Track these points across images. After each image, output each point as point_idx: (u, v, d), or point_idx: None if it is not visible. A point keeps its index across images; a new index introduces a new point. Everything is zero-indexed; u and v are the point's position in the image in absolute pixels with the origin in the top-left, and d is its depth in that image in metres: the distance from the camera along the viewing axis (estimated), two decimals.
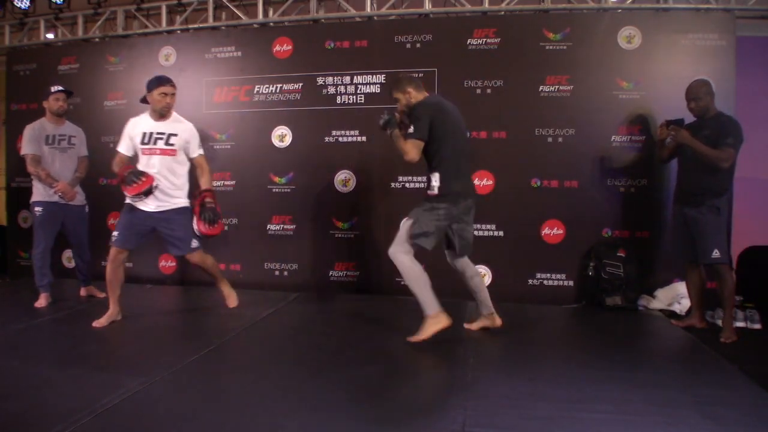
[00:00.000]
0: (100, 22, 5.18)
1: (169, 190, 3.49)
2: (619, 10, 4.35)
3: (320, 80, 4.61)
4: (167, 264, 4.95)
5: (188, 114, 4.79)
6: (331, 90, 4.59)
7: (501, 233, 4.36)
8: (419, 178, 4.44)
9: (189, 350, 3.00)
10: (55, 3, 5.15)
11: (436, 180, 3.14)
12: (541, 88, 4.29)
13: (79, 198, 4.21)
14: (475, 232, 4.33)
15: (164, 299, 4.54)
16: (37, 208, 4.03)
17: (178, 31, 5.06)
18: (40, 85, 5.11)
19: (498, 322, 3.43)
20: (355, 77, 4.55)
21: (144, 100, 3.55)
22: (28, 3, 5.23)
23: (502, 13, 4.51)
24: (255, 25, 4.87)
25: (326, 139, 4.60)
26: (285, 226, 4.71)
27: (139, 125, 3.51)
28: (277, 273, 4.73)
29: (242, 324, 3.55)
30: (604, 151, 4.24)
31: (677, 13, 4.23)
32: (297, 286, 4.60)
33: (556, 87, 4.28)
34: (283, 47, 4.69)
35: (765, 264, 4.15)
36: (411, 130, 3.10)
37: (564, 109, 4.26)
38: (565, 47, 4.28)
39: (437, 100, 3.24)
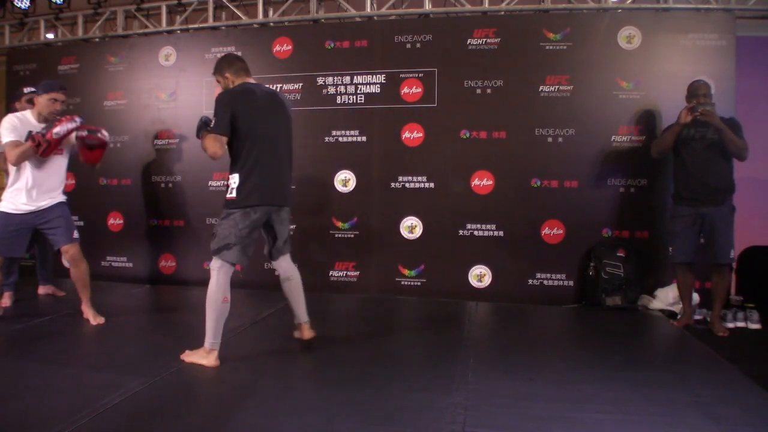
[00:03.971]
0: (100, 22, 5.18)
1: (51, 190, 3.51)
2: (619, 10, 4.34)
3: (320, 80, 4.61)
4: (167, 264, 4.95)
5: (188, 114, 4.84)
6: (331, 90, 4.59)
7: (501, 233, 4.36)
8: (419, 178, 4.45)
9: (189, 350, 2.99)
10: (55, 3, 5.15)
11: (234, 182, 2.76)
12: (541, 88, 4.29)
13: None
14: (476, 233, 4.39)
15: (164, 299, 4.54)
16: None
17: (178, 31, 5.06)
18: None
19: (307, 334, 3.04)
20: (355, 77, 4.55)
21: (30, 101, 3.50)
22: (28, 3, 5.22)
23: (502, 13, 4.51)
24: (255, 25, 4.87)
25: (326, 139, 4.60)
26: None
27: (25, 123, 3.40)
28: (277, 273, 4.69)
29: (242, 324, 3.55)
30: (604, 151, 4.23)
31: (677, 13, 4.23)
32: None
33: (556, 87, 4.28)
34: (283, 47, 4.69)
35: (765, 264, 4.15)
36: (212, 124, 2.72)
37: (564, 109, 4.26)
38: (565, 47, 4.28)
39: (245, 89, 2.81)
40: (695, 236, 3.54)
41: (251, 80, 2.95)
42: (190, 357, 2.82)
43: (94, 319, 3.56)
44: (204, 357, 2.78)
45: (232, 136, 2.75)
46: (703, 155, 3.48)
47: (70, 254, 3.54)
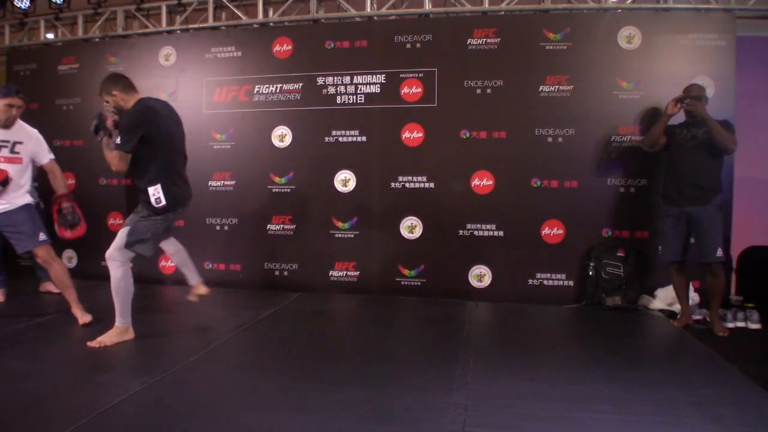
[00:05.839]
0: (100, 22, 5.18)
1: (9, 197, 3.47)
2: (619, 10, 4.34)
3: (320, 80, 4.61)
4: (167, 264, 4.94)
5: (188, 114, 4.80)
6: (331, 90, 4.59)
7: (501, 233, 4.36)
8: (419, 178, 4.45)
9: (189, 350, 3.00)
10: (55, 3, 5.14)
11: (158, 192, 3.03)
12: (541, 88, 4.29)
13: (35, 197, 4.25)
14: (476, 233, 4.39)
15: (164, 299, 4.54)
16: None
17: (178, 31, 5.06)
18: (40, 85, 5.13)
19: (203, 290, 3.47)
20: (355, 77, 4.54)
21: None
22: (28, 3, 5.22)
23: (502, 13, 4.51)
24: (255, 25, 4.87)
25: (326, 139, 4.60)
26: (285, 226, 4.71)
27: None
28: (277, 273, 4.72)
29: (242, 324, 3.55)
30: (604, 151, 4.23)
31: (677, 13, 4.23)
32: (297, 286, 4.60)
33: (556, 87, 4.28)
34: (283, 47, 4.69)
35: (765, 264, 4.15)
36: (118, 141, 2.95)
37: (564, 109, 4.26)
38: (565, 47, 4.28)
39: (149, 106, 3.06)
40: (683, 235, 3.58)
41: (140, 94, 3.14)
42: (105, 341, 3.07)
43: (81, 318, 3.53)
44: (122, 334, 3.14)
45: (144, 150, 2.97)
46: (692, 155, 3.52)
47: (40, 257, 3.52)
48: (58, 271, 3.57)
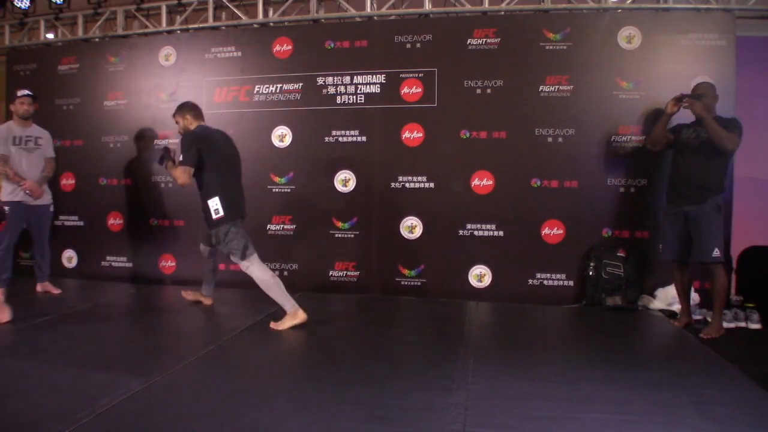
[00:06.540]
0: (100, 22, 5.18)
1: None
2: (619, 10, 4.34)
3: (320, 80, 4.61)
4: (167, 264, 4.95)
5: None
6: (331, 90, 4.59)
7: (501, 233, 4.36)
8: (419, 178, 4.45)
9: (189, 350, 3.00)
10: (55, 3, 5.14)
11: (216, 204, 3.42)
12: (541, 88, 4.29)
13: (46, 197, 4.31)
14: (476, 233, 4.39)
15: (164, 299, 4.54)
16: (5, 207, 4.12)
17: (178, 31, 5.06)
18: (40, 85, 5.13)
19: (208, 302, 4.06)
20: (355, 77, 4.54)
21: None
22: (28, 3, 5.22)
23: (502, 13, 4.51)
24: (255, 25, 4.87)
25: (326, 139, 4.60)
26: (285, 226, 4.71)
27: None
28: (277, 273, 4.71)
29: (242, 324, 3.55)
30: (604, 151, 4.23)
31: (677, 13, 4.23)
32: (297, 286, 4.60)
33: (556, 87, 4.28)
34: (283, 47, 4.69)
35: (765, 264, 4.15)
36: (181, 158, 3.37)
37: (564, 109, 4.26)
38: (565, 47, 4.28)
39: (204, 131, 3.53)
40: (681, 234, 3.56)
41: (204, 122, 3.66)
42: (281, 326, 3.43)
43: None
44: (294, 318, 3.45)
45: (202, 167, 3.39)
46: (694, 154, 3.51)
47: None
48: None
